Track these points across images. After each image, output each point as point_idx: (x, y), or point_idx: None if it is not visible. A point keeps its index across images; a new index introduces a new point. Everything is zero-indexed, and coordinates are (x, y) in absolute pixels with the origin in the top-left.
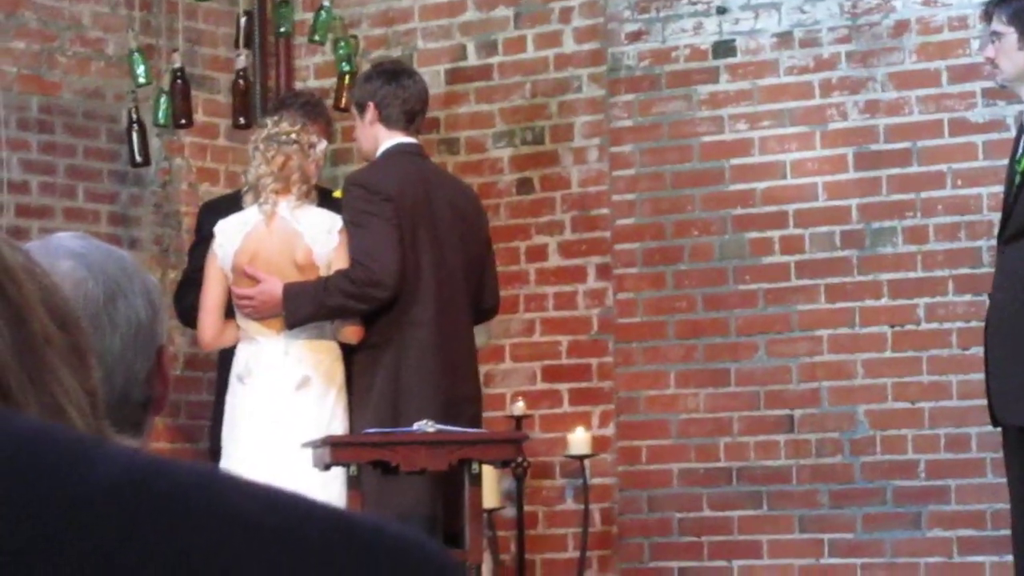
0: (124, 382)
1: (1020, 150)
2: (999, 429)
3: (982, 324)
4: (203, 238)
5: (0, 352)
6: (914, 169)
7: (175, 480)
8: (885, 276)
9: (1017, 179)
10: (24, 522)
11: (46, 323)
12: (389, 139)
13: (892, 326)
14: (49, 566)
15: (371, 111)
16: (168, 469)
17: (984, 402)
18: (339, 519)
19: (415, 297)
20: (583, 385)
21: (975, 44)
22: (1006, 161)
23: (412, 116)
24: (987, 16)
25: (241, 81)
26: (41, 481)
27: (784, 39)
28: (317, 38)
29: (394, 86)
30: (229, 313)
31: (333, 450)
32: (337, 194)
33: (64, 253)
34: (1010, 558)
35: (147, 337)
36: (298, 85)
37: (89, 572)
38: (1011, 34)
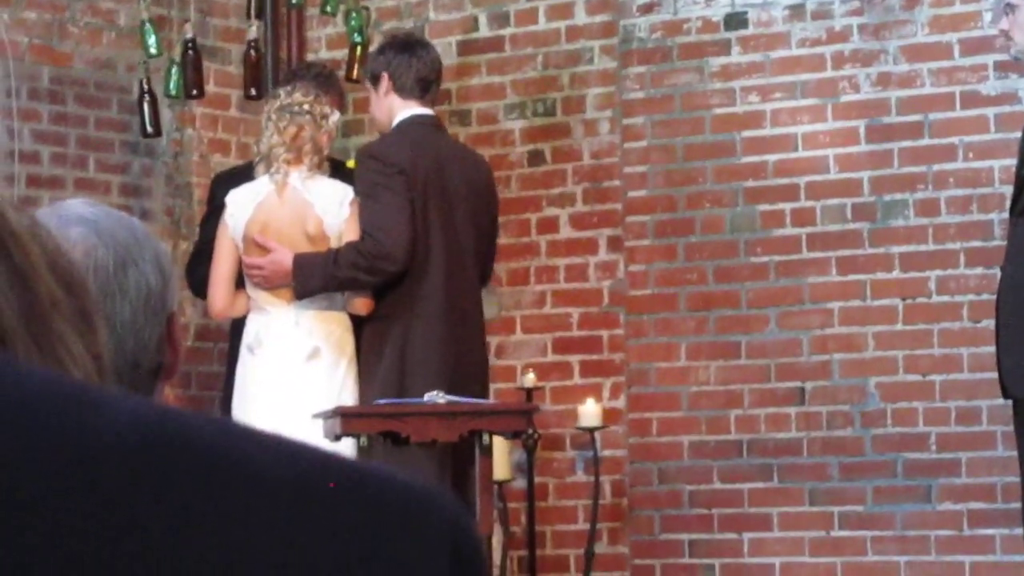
0: (134, 349)
1: None
2: (1010, 402)
3: (993, 297)
4: (215, 209)
5: (6, 317)
6: (926, 142)
7: (186, 430)
8: (896, 249)
9: None
10: (31, 472)
11: (52, 287)
12: (404, 109)
13: (903, 299)
14: (56, 516)
15: (385, 82)
16: (179, 419)
17: (995, 375)
18: (353, 470)
19: (425, 270)
20: (594, 357)
21: (987, 16)
22: (1018, 134)
23: (426, 85)
24: None
25: (253, 52)
26: (49, 430)
27: (796, 11)
28: (329, 9)
29: (407, 55)
30: (240, 284)
31: (343, 421)
32: (350, 164)
33: (74, 220)
34: (1020, 531)
35: (157, 304)
36: (309, 56)
37: (97, 523)
38: None
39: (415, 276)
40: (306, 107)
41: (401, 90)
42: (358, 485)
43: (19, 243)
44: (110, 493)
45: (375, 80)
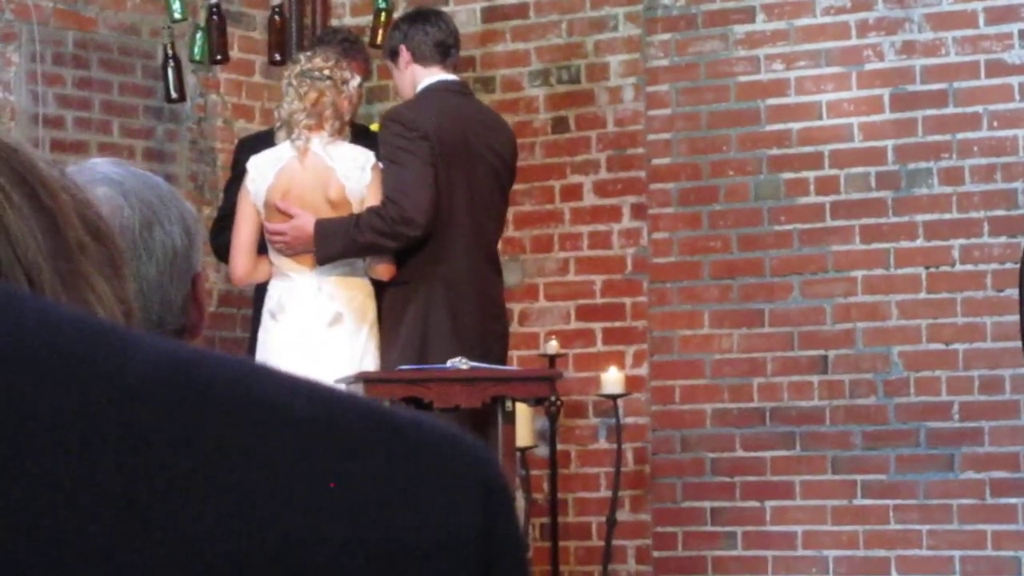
0: (160, 309)
1: None
2: None
3: (1017, 266)
4: (239, 174)
5: (33, 255)
6: (950, 110)
7: (213, 370)
8: (920, 217)
9: None
10: (59, 412)
11: (80, 233)
12: (428, 76)
13: (927, 267)
14: (85, 456)
15: (404, 54)
16: (206, 360)
17: (1018, 344)
18: (380, 412)
19: (447, 235)
20: (617, 325)
21: None
22: None
23: (446, 49)
24: None
25: (277, 17)
26: (76, 370)
27: None
28: None
29: (422, 23)
30: (262, 249)
31: (366, 386)
32: (374, 127)
33: (100, 179)
34: None
35: (183, 264)
36: (334, 22)
37: (127, 460)
38: None
39: (438, 241)
40: (327, 72)
41: (421, 59)
42: (389, 428)
43: (48, 190)
44: (139, 431)
45: (394, 55)
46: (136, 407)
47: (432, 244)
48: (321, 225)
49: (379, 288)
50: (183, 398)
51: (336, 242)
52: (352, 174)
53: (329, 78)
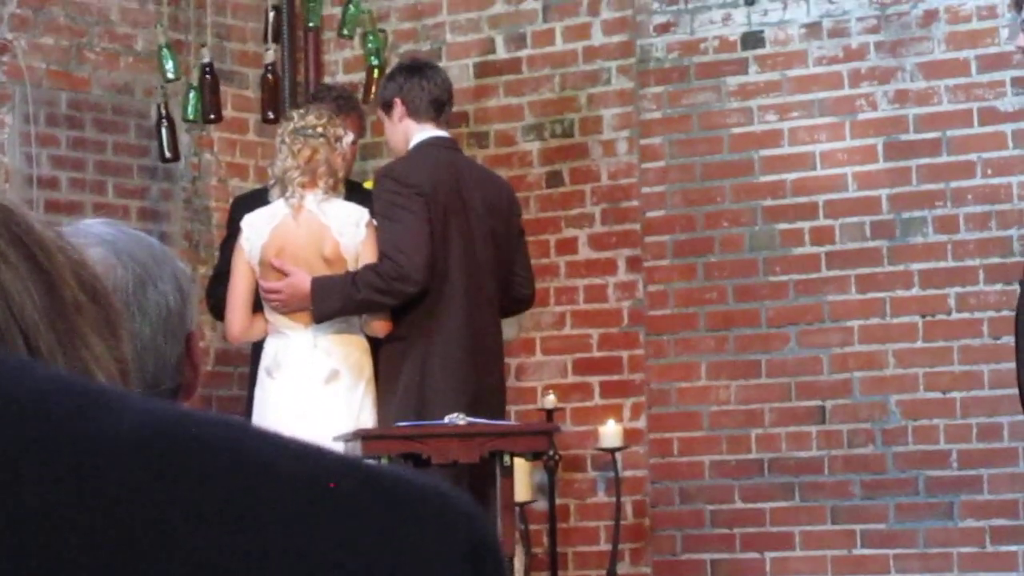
0: (154, 368)
1: None
2: None
3: (1013, 313)
4: (234, 232)
5: (30, 315)
6: (944, 158)
7: (201, 429)
8: (916, 266)
9: None
10: (50, 469)
11: (77, 292)
12: (420, 132)
13: (923, 316)
14: (74, 513)
15: (398, 107)
16: (195, 418)
17: (1016, 391)
18: (367, 470)
19: (443, 291)
20: (614, 377)
21: (1004, 32)
22: None
23: (440, 106)
24: (1016, 5)
25: (270, 76)
26: (67, 428)
27: (813, 29)
28: (346, 32)
29: (418, 78)
30: (258, 307)
31: (364, 443)
32: (368, 184)
33: (93, 240)
34: None
35: (177, 323)
36: (327, 79)
37: (115, 519)
38: None
39: (434, 297)
40: (320, 129)
41: (415, 113)
42: (376, 485)
43: (45, 250)
44: (128, 490)
45: (388, 107)
46: (121, 468)
47: (428, 300)
48: (318, 283)
49: (375, 344)
50: (169, 458)
51: (333, 299)
52: (347, 231)
53: (323, 135)
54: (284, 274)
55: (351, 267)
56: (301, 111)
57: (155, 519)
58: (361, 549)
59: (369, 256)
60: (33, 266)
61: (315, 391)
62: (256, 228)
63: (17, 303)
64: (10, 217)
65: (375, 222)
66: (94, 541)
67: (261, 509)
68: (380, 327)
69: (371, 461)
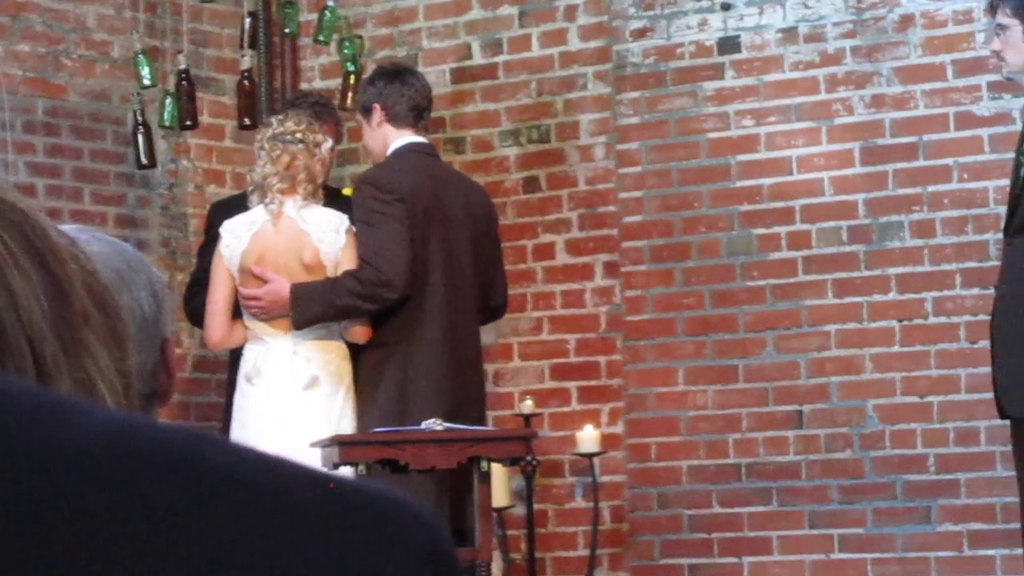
0: None
1: None
2: (1007, 421)
3: (990, 317)
4: (212, 238)
5: (38, 323)
6: (920, 163)
7: (162, 438)
8: (893, 270)
9: (1023, 172)
10: (9, 477)
11: (86, 303)
12: (400, 138)
13: (900, 320)
14: (33, 521)
15: (378, 112)
16: (155, 428)
17: (993, 395)
18: (326, 479)
19: (424, 297)
20: (592, 383)
21: (980, 37)
22: (1012, 154)
23: (419, 112)
24: (992, 9)
25: (246, 82)
26: (27, 437)
27: (789, 34)
28: (322, 38)
29: (398, 84)
30: (237, 313)
31: (342, 449)
32: (347, 191)
33: None
34: (1021, 551)
35: (152, 330)
36: (303, 86)
37: (74, 527)
38: (1016, 26)
39: (414, 303)
40: (299, 135)
41: (395, 119)
42: (335, 493)
43: (57, 258)
44: (88, 498)
45: (367, 112)
46: (79, 477)
47: (408, 306)
48: (298, 289)
49: (355, 351)
50: (131, 464)
51: (314, 306)
52: (327, 237)
53: (301, 141)
54: (264, 281)
55: (331, 273)
56: (280, 117)
57: (112, 528)
58: (318, 558)
59: (349, 262)
60: (45, 273)
61: (295, 398)
62: (236, 234)
63: (25, 309)
64: (25, 221)
65: (355, 228)
66: (50, 551)
67: (221, 517)
68: (360, 333)
69: (331, 471)
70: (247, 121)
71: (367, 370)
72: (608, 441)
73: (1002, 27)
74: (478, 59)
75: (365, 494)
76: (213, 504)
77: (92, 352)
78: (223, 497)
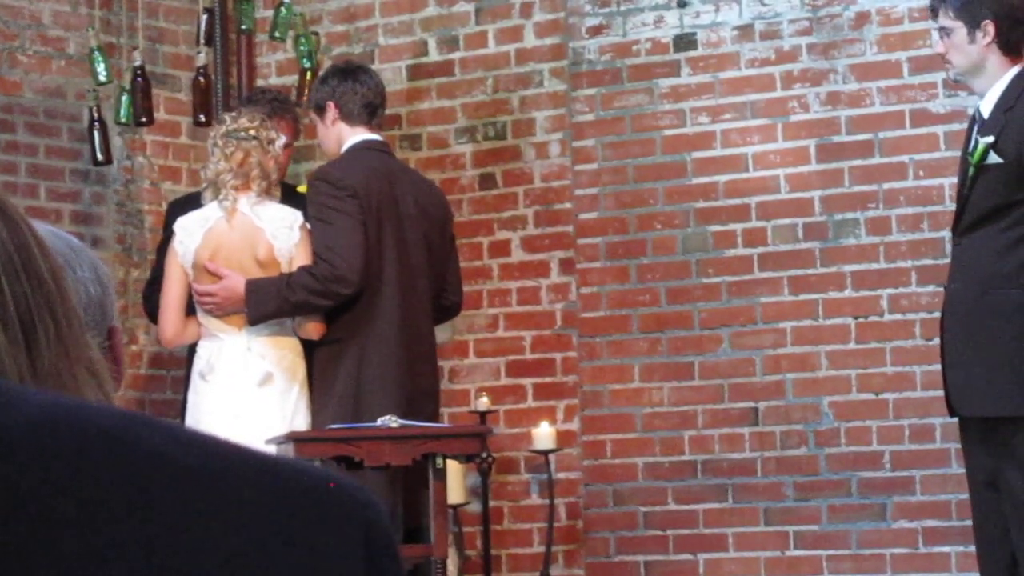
0: None
1: (973, 142)
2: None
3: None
4: (170, 236)
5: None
6: (876, 160)
7: (95, 420)
8: (848, 268)
9: (971, 171)
10: None
11: (76, 306)
12: (353, 136)
13: (856, 317)
14: None
15: (331, 110)
16: (88, 410)
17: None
18: (263, 460)
19: (378, 293)
20: (547, 380)
21: (936, 35)
22: None
23: (373, 110)
24: (934, 12)
25: (202, 79)
26: None
27: (745, 31)
28: (278, 35)
29: (351, 82)
30: (191, 310)
31: (297, 446)
32: (302, 189)
33: None
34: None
35: (97, 314)
36: (259, 82)
37: (5, 508)
38: (959, 28)
39: (368, 299)
40: (252, 132)
41: (348, 117)
42: (271, 475)
43: (50, 264)
44: (19, 479)
45: (320, 110)
46: (15, 455)
47: (362, 302)
48: (252, 285)
49: (309, 347)
50: (63, 446)
51: (268, 302)
52: (280, 234)
53: (255, 138)
54: (218, 277)
55: (285, 270)
56: (233, 114)
57: (49, 507)
58: (254, 536)
59: (303, 259)
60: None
61: (249, 394)
62: (189, 231)
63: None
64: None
65: (309, 225)
66: None
67: (155, 498)
68: (314, 329)
69: (271, 455)
70: (203, 118)
71: (321, 366)
72: (563, 438)
73: (945, 30)
74: (434, 56)
75: (302, 474)
76: (149, 485)
77: (87, 344)
78: (160, 478)
